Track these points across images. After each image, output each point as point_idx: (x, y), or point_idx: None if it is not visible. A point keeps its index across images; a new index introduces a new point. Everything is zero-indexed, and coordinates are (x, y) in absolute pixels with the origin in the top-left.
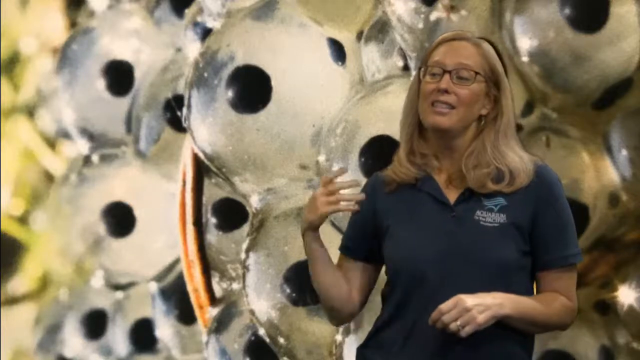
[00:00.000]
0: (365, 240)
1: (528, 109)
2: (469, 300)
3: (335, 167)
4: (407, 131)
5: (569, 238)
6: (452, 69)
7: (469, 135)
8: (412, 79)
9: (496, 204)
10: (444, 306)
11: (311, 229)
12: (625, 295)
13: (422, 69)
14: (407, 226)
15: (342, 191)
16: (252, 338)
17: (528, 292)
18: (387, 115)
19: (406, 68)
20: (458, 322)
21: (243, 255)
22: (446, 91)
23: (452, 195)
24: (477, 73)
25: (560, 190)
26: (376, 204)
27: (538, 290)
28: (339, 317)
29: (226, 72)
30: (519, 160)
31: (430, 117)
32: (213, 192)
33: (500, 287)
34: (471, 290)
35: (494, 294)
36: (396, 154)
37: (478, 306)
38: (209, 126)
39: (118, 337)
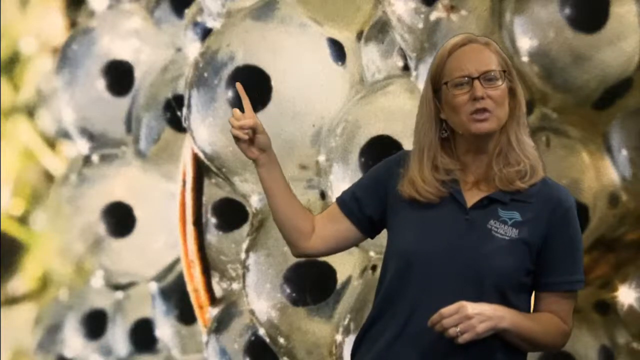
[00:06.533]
0: (367, 206)
1: (528, 109)
2: (471, 308)
3: (335, 167)
4: (429, 149)
5: (576, 264)
6: (478, 75)
7: (497, 133)
8: (422, 92)
9: (511, 218)
10: (446, 310)
11: (256, 165)
12: (625, 295)
13: (446, 84)
14: (416, 215)
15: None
16: (252, 338)
17: (526, 311)
18: (387, 115)
19: (406, 68)
20: (458, 329)
21: (243, 255)
22: (482, 97)
23: (471, 200)
24: (503, 71)
25: (574, 215)
26: (394, 180)
27: (535, 309)
28: (292, 249)
29: (226, 72)
30: (534, 151)
31: (473, 127)
32: (213, 192)
33: (495, 300)
34: (463, 296)
35: (495, 306)
36: (409, 175)
37: (479, 315)
38: (209, 126)
39: (118, 337)
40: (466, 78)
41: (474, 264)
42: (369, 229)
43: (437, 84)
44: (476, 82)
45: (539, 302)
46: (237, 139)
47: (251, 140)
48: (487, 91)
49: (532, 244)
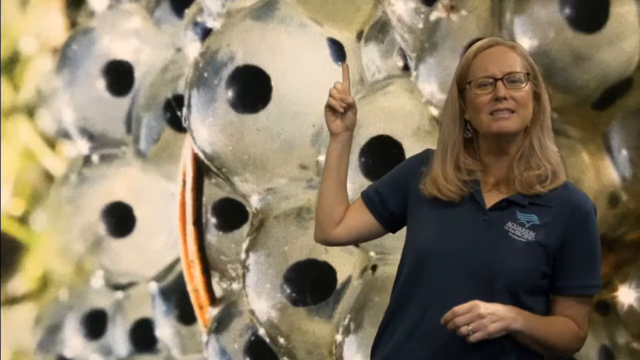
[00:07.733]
0: (389, 201)
1: None
2: (484, 307)
3: None
4: (452, 149)
5: (594, 268)
6: (502, 76)
7: (520, 136)
8: (447, 95)
9: (528, 220)
10: (459, 308)
11: (333, 140)
12: (625, 295)
13: (470, 84)
14: (435, 214)
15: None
16: (252, 338)
17: (541, 313)
18: (387, 115)
19: (406, 68)
20: (469, 327)
21: (243, 255)
22: (504, 98)
23: (490, 201)
24: (527, 73)
25: (593, 220)
26: (417, 178)
27: (551, 313)
28: (317, 232)
29: (226, 72)
30: (557, 156)
31: (494, 125)
32: (213, 192)
33: (507, 301)
34: (476, 296)
35: (509, 307)
36: (432, 173)
37: (492, 315)
38: (209, 126)
39: (118, 337)
40: (490, 79)
41: (488, 265)
42: (390, 224)
43: (462, 84)
44: (499, 83)
45: (555, 305)
46: (330, 109)
47: (341, 116)
48: (510, 92)
49: (549, 247)
